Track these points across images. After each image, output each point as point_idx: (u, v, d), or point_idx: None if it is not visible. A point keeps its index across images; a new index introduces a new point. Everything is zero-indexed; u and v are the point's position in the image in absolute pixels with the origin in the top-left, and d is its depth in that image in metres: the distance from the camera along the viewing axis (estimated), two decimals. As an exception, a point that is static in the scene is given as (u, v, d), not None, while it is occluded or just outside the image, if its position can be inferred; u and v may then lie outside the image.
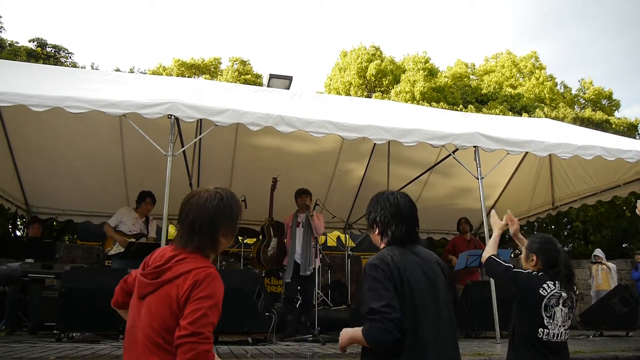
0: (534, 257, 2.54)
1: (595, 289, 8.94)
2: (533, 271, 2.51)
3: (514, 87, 20.99)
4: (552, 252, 2.50)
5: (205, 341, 1.44)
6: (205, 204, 1.64)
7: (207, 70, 21.10)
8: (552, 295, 2.42)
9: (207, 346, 1.44)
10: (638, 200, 3.52)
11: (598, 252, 9.24)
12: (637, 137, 16.96)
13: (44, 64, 12.12)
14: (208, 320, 1.47)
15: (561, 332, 2.44)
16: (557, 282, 2.46)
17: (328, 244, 9.81)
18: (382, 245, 1.95)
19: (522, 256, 2.64)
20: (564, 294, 2.45)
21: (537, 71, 21.74)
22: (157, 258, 1.65)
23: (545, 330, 2.37)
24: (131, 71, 17.88)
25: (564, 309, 2.45)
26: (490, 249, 2.70)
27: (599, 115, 17.64)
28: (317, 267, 5.89)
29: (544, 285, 2.42)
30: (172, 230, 8.53)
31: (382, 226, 1.94)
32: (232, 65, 21.16)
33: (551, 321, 2.41)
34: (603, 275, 8.85)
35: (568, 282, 2.48)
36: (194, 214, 1.62)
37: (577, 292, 2.61)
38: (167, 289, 1.54)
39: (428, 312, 1.75)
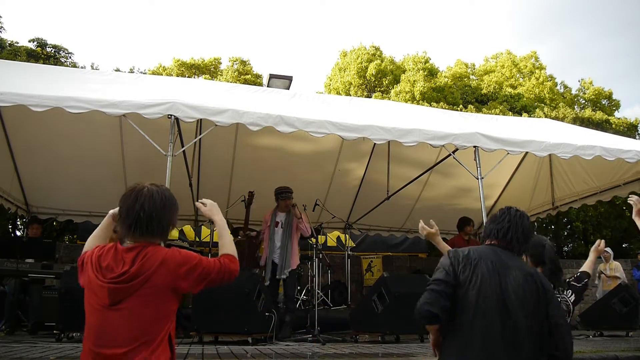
0: (524, 257, 2.58)
1: (602, 289, 8.83)
2: None
3: (514, 87, 20.99)
4: (539, 247, 2.54)
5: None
6: (158, 197, 1.73)
7: (207, 70, 21.10)
8: None
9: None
10: (630, 197, 3.49)
11: (607, 249, 9.19)
12: (637, 137, 16.96)
13: (44, 64, 12.12)
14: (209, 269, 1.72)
15: None
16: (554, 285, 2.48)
17: (328, 244, 9.82)
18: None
19: None
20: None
21: (537, 71, 21.74)
22: (112, 260, 1.65)
23: None
24: (131, 71, 17.87)
25: None
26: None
27: (599, 115, 17.64)
28: (296, 267, 5.93)
29: None
30: (173, 231, 8.54)
31: (487, 225, 2.10)
32: (232, 65, 21.16)
33: (568, 325, 2.42)
34: (611, 277, 8.76)
35: (553, 276, 2.50)
36: (150, 206, 1.69)
37: (571, 295, 2.62)
38: (153, 282, 1.60)
39: (486, 310, 1.79)
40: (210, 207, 2.00)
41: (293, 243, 5.91)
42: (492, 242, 2.01)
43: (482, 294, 1.79)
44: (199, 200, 2.05)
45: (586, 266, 3.01)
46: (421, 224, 2.92)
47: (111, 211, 2.00)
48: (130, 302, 1.58)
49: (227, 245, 1.88)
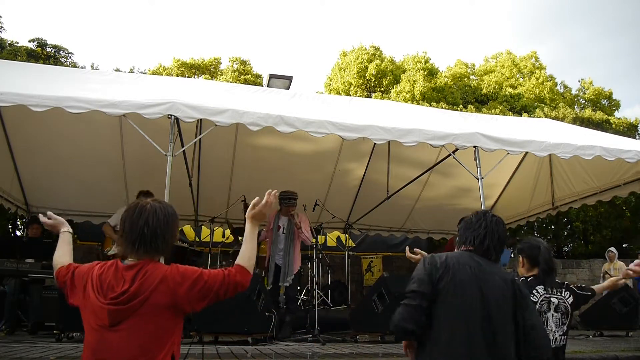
0: (521, 258, 2.61)
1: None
2: (525, 277, 2.54)
3: (514, 87, 20.99)
4: (534, 249, 2.55)
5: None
6: (162, 213, 1.71)
7: (207, 70, 21.10)
8: (542, 300, 2.45)
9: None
10: None
11: (612, 249, 9.19)
12: (637, 137, 16.96)
13: (44, 64, 12.12)
14: (211, 283, 1.68)
15: (556, 338, 2.45)
16: (544, 285, 2.49)
17: (328, 244, 9.80)
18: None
19: (517, 261, 2.69)
20: (553, 299, 2.48)
21: (537, 71, 21.74)
22: (113, 278, 1.63)
23: None
24: (131, 71, 17.87)
25: (555, 314, 2.48)
26: None
27: (599, 115, 17.63)
28: (299, 269, 6.02)
29: (534, 292, 2.45)
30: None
31: (461, 232, 2.05)
32: (232, 65, 21.16)
33: (544, 327, 2.41)
34: (616, 274, 8.80)
35: (547, 276, 2.51)
36: (154, 222, 1.67)
37: (569, 297, 2.62)
38: (152, 301, 1.58)
39: (461, 316, 1.78)
40: (268, 207, 1.92)
41: (295, 248, 5.97)
42: (469, 249, 1.98)
43: (462, 300, 1.78)
44: (255, 203, 1.92)
45: (597, 286, 3.03)
46: (407, 253, 2.92)
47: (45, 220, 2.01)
48: (130, 322, 1.57)
49: (243, 254, 1.81)
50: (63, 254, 1.91)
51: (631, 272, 2.83)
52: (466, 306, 1.77)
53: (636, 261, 2.85)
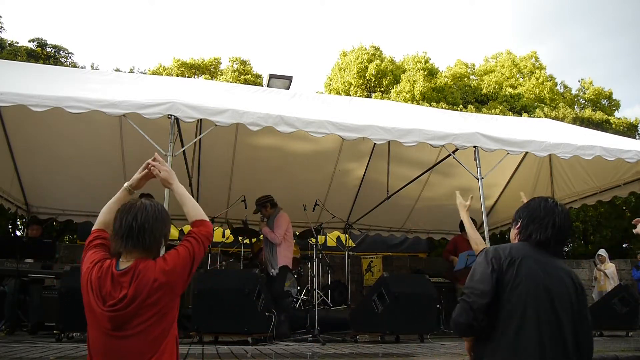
0: None
1: (597, 290, 8.97)
2: None
3: (514, 87, 20.99)
4: None
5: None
6: (151, 209, 1.74)
7: (207, 70, 21.10)
8: None
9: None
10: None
11: (602, 252, 9.22)
12: (637, 137, 16.96)
13: (44, 64, 12.12)
14: (192, 251, 1.74)
15: None
16: None
17: (328, 244, 9.81)
18: (516, 241, 1.97)
19: None
20: None
21: (537, 71, 21.74)
22: (110, 286, 1.64)
23: None
24: (131, 71, 17.88)
25: None
26: (477, 240, 2.65)
27: (599, 115, 17.64)
28: (287, 264, 6.09)
29: None
30: (173, 231, 8.53)
31: (525, 222, 1.94)
32: (232, 65, 21.16)
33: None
34: (604, 277, 8.87)
35: None
36: (142, 217, 1.70)
37: None
38: (151, 299, 1.62)
39: (532, 311, 1.73)
40: (168, 174, 1.94)
41: (276, 247, 6.09)
42: (533, 240, 1.90)
43: (529, 295, 1.74)
44: (151, 161, 1.95)
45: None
46: (459, 198, 2.92)
47: (129, 182, 2.03)
48: (133, 324, 1.60)
49: (192, 210, 1.87)
50: (110, 213, 1.90)
51: None
52: (532, 302, 1.73)
53: None
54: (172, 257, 1.70)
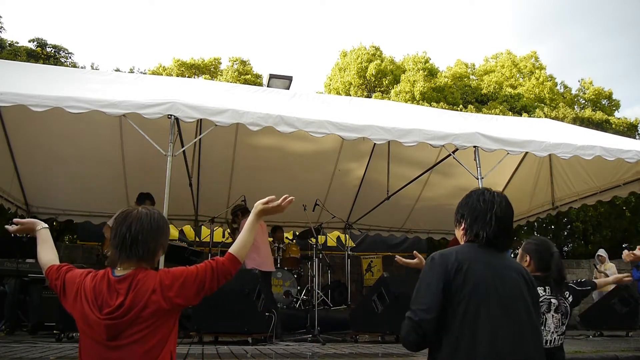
0: (528, 258, 2.57)
1: (597, 290, 8.96)
2: None
3: (514, 87, 20.99)
4: (546, 254, 2.52)
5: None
6: (147, 219, 1.70)
7: (207, 70, 21.10)
8: (542, 301, 2.43)
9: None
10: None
11: (602, 252, 9.21)
12: (637, 137, 16.96)
13: (44, 64, 12.12)
14: (202, 277, 1.70)
15: (554, 339, 2.44)
16: (547, 287, 2.48)
17: (328, 244, 9.81)
18: (462, 243, 1.89)
19: (518, 257, 2.66)
20: (553, 301, 2.47)
21: (537, 71, 21.74)
22: (107, 293, 1.62)
23: None
24: (131, 71, 17.87)
25: (555, 315, 2.46)
26: None
27: (599, 115, 17.64)
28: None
29: None
30: (173, 231, 8.54)
31: (469, 222, 1.85)
32: (232, 65, 21.16)
33: (543, 328, 2.40)
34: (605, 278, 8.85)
35: (558, 286, 2.49)
36: (136, 228, 1.67)
37: (569, 297, 2.63)
38: (149, 310, 1.59)
39: (488, 314, 1.66)
40: (278, 210, 1.94)
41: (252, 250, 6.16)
42: (477, 241, 1.83)
43: (480, 300, 1.66)
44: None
45: (600, 280, 3.03)
46: (399, 260, 2.87)
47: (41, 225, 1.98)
48: (128, 334, 1.58)
49: (239, 244, 1.84)
50: (47, 252, 1.90)
51: (633, 256, 2.84)
52: (485, 306, 1.65)
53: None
54: (175, 273, 1.68)
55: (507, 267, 1.78)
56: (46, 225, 1.99)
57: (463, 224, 1.87)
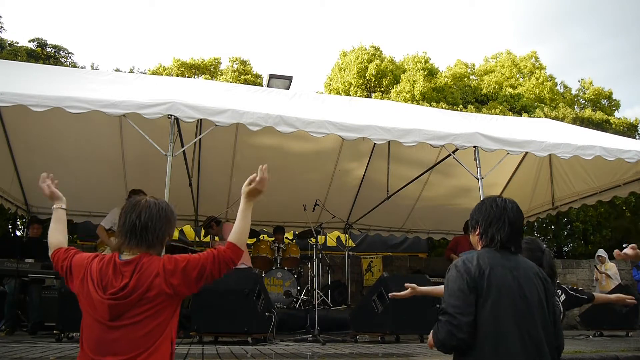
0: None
1: (599, 290, 8.93)
2: None
3: (514, 87, 20.98)
4: (537, 252, 2.54)
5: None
6: (155, 208, 1.76)
7: (207, 70, 21.10)
8: None
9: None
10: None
11: (602, 252, 9.20)
12: (637, 137, 16.96)
13: (44, 64, 12.12)
14: (204, 265, 1.75)
15: None
16: None
17: (328, 244, 9.82)
18: (479, 248, 1.97)
19: None
20: None
21: (537, 71, 21.72)
22: (112, 275, 1.67)
23: None
24: (131, 71, 17.87)
25: None
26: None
27: (599, 115, 17.64)
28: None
29: None
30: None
31: (484, 227, 1.95)
32: (232, 65, 21.16)
33: None
34: (606, 278, 8.81)
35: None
36: (146, 216, 1.73)
37: (561, 295, 2.64)
38: (151, 293, 1.64)
39: (510, 318, 1.73)
40: (263, 184, 1.99)
41: None
42: (494, 245, 1.91)
43: (504, 303, 1.74)
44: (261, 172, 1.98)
45: (601, 296, 3.04)
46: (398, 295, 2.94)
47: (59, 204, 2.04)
48: (130, 315, 1.62)
49: (238, 231, 1.88)
50: (58, 234, 2.00)
51: (623, 255, 2.83)
52: (510, 309, 1.73)
53: (631, 245, 2.84)
54: (177, 259, 1.72)
55: (524, 267, 1.88)
56: (65, 206, 2.06)
57: (478, 229, 1.98)
